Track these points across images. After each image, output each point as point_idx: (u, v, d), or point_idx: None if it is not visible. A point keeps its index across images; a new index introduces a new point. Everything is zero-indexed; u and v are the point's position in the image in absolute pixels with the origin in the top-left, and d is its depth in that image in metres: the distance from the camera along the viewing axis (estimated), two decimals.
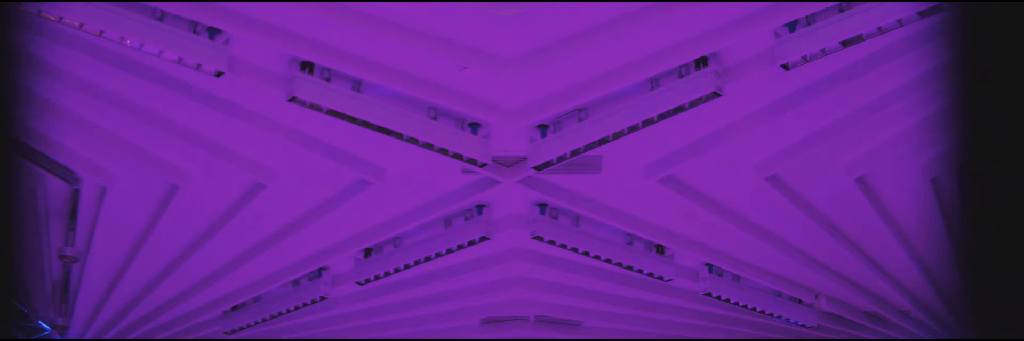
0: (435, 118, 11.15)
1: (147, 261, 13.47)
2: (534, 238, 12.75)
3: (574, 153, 11.31)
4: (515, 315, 15.46)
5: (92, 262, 13.40)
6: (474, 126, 11.35)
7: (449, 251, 13.08)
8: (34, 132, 11.15)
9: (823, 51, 10.14)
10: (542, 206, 12.68)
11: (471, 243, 12.94)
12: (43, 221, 12.55)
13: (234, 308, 14.66)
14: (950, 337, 14.45)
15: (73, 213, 12.44)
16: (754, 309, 14.20)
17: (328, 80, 10.61)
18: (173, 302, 14.34)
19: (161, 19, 10.08)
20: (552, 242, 12.84)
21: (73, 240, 12.55)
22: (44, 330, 14.83)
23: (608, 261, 13.22)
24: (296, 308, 14.30)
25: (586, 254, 13.10)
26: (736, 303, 14.05)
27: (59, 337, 14.55)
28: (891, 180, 12.15)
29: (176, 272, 13.63)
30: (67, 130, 11.28)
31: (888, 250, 13.20)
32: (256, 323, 14.61)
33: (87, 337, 14.83)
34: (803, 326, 14.56)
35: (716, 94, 10.54)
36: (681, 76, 10.68)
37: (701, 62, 10.58)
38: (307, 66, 10.52)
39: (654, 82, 10.84)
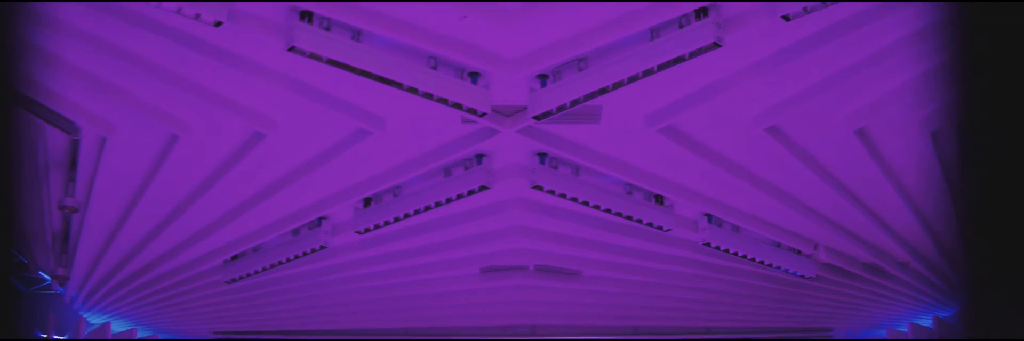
0: (435, 68, 11.10)
1: (147, 211, 13.49)
2: (534, 188, 12.75)
3: (574, 103, 11.27)
4: (514, 264, 15.51)
5: (92, 213, 13.43)
6: (474, 76, 11.30)
7: (449, 200, 13.08)
8: (33, 83, 11.11)
9: (824, 2, 10.08)
10: (542, 156, 12.67)
11: (471, 193, 12.93)
12: (43, 172, 12.54)
13: (234, 257, 14.72)
14: (948, 288, 14.53)
15: (73, 164, 12.41)
16: (753, 259, 14.26)
17: (327, 29, 10.54)
18: (173, 252, 14.40)
19: None
20: (551, 192, 12.84)
21: (73, 191, 12.55)
22: (44, 280, 14.88)
23: (607, 211, 13.22)
24: (296, 257, 14.35)
25: (585, 204, 13.10)
26: (735, 253, 14.09)
27: (60, 287, 14.62)
28: (891, 132, 12.13)
29: (176, 222, 13.66)
30: (66, 81, 11.23)
31: (887, 202, 13.22)
32: (256, 272, 14.67)
33: (88, 286, 14.93)
34: (802, 276, 14.62)
35: (716, 45, 10.47)
36: (681, 26, 10.60)
37: (701, 12, 10.49)
38: (306, 16, 10.45)
39: (654, 32, 10.77)
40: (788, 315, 16.33)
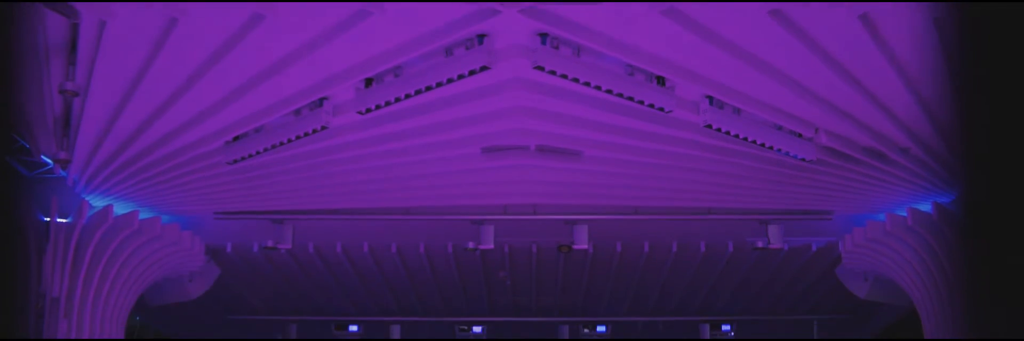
0: None
1: (147, 94, 13.44)
2: (535, 68, 12.67)
3: None
4: (515, 144, 15.54)
5: (93, 96, 13.39)
6: None
7: (449, 81, 13.01)
8: None
9: None
10: (543, 36, 12.56)
11: (472, 73, 12.86)
12: (43, 57, 12.45)
13: (235, 138, 14.71)
14: (947, 173, 14.57)
15: (73, 48, 12.31)
16: (754, 142, 14.26)
17: None
18: (174, 134, 14.40)
19: None
20: (553, 72, 12.77)
21: (73, 75, 12.47)
22: (47, 164, 14.92)
23: (609, 91, 13.17)
24: (297, 137, 14.34)
25: (587, 84, 13.04)
26: (736, 135, 14.08)
27: (62, 171, 14.67)
28: (894, 18, 12.01)
29: (177, 104, 13.63)
30: None
31: (889, 87, 13.16)
32: (257, 153, 14.68)
33: (90, 169, 14.96)
34: (802, 159, 14.64)
35: None
36: None
37: None
38: None
39: None
40: (788, 197, 16.42)
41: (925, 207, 16.21)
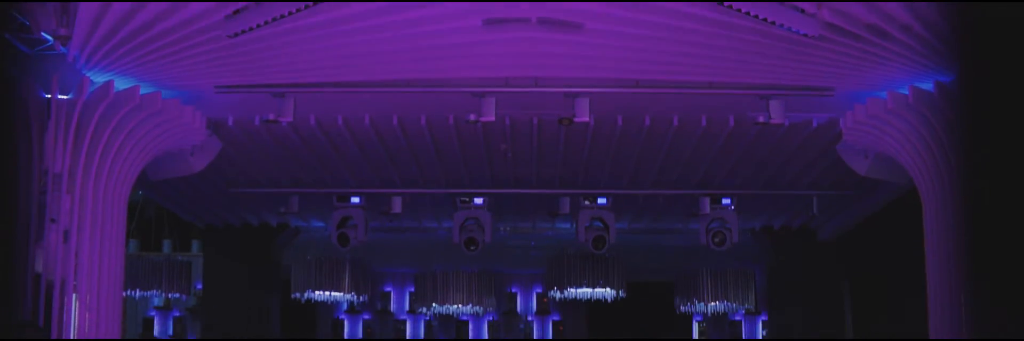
0: None
1: None
2: None
3: None
4: (516, 16, 15.42)
5: None
6: None
7: None
8: None
9: None
10: None
11: None
12: None
13: (235, 12, 14.60)
14: (949, 52, 14.50)
15: None
16: (756, 16, 14.17)
17: None
18: (174, 8, 14.29)
19: None
20: None
21: None
22: (47, 41, 14.83)
23: None
24: (297, 10, 14.22)
25: None
26: (739, 10, 13.99)
27: (62, 47, 14.59)
28: None
29: None
30: None
31: None
32: (258, 26, 14.58)
33: (90, 45, 14.89)
34: (804, 35, 14.56)
35: None
36: None
37: None
38: None
39: None
40: (790, 73, 16.36)
41: (927, 86, 16.16)
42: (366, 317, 33.53)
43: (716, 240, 23.38)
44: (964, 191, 13.51)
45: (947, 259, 16.08)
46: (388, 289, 33.57)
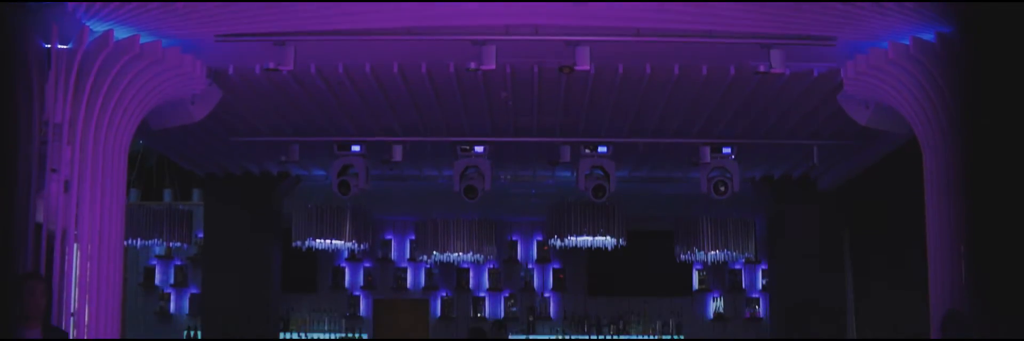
0: None
1: None
2: None
3: None
4: None
5: None
6: None
7: None
8: None
9: None
10: None
11: None
12: None
13: None
14: (948, 3, 14.42)
15: None
16: None
17: None
18: None
19: None
20: None
21: None
22: None
23: None
24: None
25: None
26: None
27: None
28: None
29: None
30: None
31: None
32: None
33: None
34: None
35: None
36: None
37: None
38: None
39: None
40: (791, 23, 16.32)
41: (928, 36, 16.11)
42: (367, 265, 33.72)
43: (720, 189, 23.37)
44: (964, 141, 13.53)
45: (947, 209, 16.12)
46: (389, 237, 33.71)
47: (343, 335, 32.93)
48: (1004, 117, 11.77)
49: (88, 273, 15.40)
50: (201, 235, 30.47)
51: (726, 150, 23.62)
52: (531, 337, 33.13)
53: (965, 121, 13.74)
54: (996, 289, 12.67)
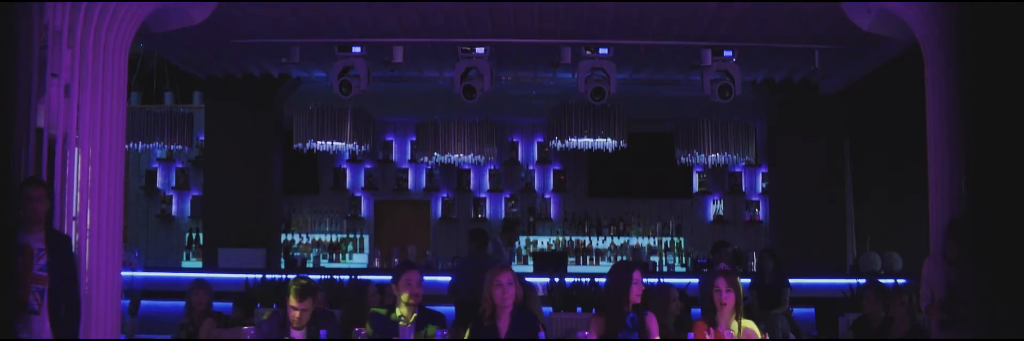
0: None
1: None
2: None
3: None
4: None
5: None
6: None
7: None
8: None
9: None
10: None
11: None
12: None
13: None
14: None
15: None
16: None
17: None
18: None
19: None
20: None
21: None
22: None
23: None
24: None
25: None
26: None
27: None
28: None
29: None
30: None
31: None
32: None
33: None
34: None
35: None
36: None
37: None
38: None
39: None
40: None
41: None
42: (368, 166, 33.83)
43: (725, 94, 23.28)
44: (966, 48, 13.44)
45: (948, 116, 16.12)
46: (389, 138, 33.77)
47: (345, 236, 33.19)
48: (1007, 23, 11.69)
49: (90, 177, 15.45)
50: (202, 138, 30.50)
51: (727, 53, 23.47)
52: (531, 238, 33.37)
53: (967, 26, 13.64)
54: (995, 198, 12.70)
